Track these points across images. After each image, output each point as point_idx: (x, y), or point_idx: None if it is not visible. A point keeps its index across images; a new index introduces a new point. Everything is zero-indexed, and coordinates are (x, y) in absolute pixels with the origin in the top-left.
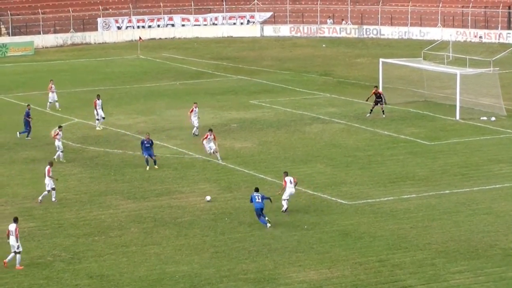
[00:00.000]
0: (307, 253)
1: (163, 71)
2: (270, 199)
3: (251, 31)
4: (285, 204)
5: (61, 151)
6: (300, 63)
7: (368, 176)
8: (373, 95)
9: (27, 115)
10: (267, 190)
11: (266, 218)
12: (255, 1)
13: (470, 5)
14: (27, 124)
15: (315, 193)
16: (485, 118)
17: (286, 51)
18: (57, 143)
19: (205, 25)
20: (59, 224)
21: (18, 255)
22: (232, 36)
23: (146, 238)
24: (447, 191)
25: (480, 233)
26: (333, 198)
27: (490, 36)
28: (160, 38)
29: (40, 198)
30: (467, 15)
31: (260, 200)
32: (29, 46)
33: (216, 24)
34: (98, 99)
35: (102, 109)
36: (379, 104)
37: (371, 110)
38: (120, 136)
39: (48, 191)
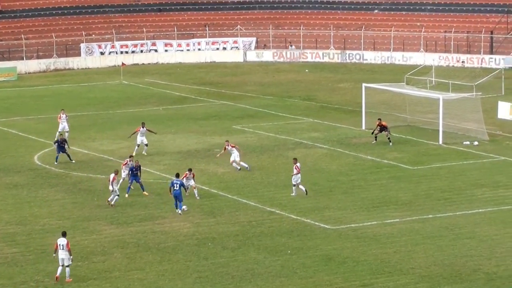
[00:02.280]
0: (291, 278)
1: (146, 96)
2: (185, 188)
3: (234, 56)
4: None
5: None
6: (283, 88)
7: (351, 200)
8: (378, 127)
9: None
10: (250, 216)
11: (183, 207)
12: (238, 26)
13: (453, 30)
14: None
15: (298, 217)
16: (468, 142)
17: (269, 76)
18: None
19: (188, 50)
20: (42, 249)
21: (67, 268)
22: (215, 61)
23: (129, 264)
24: (430, 216)
25: (463, 257)
26: (316, 223)
27: (473, 60)
28: (143, 64)
29: (112, 202)
30: (450, 40)
31: (177, 188)
32: (12, 71)
33: (199, 50)
34: (143, 127)
35: (145, 136)
36: (383, 132)
37: (376, 137)
38: (104, 161)
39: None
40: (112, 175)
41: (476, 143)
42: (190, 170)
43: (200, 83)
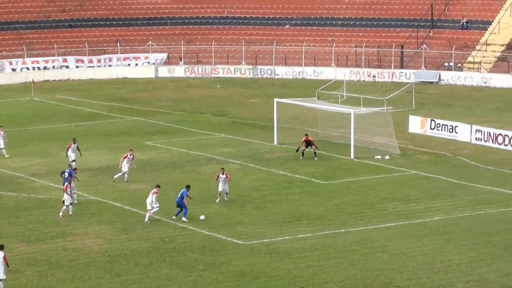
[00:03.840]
0: None
1: (57, 113)
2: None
3: (146, 72)
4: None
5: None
6: (195, 104)
7: (264, 216)
8: (303, 142)
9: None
10: (163, 232)
11: (182, 217)
12: (150, 42)
13: (364, 44)
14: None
15: (210, 233)
16: (379, 157)
17: (180, 92)
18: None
19: (99, 66)
20: None
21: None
22: (126, 77)
23: (41, 281)
24: (342, 230)
25: (375, 271)
26: (228, 238)
27: (384, 75)
28: (54, 80)
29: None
30: (361, 54)
31: (179, 196)
32: None
33: (111, 66)
34: (74, 143)
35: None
36: (309, 147)
37: (303, 153)
38: (14, 178)
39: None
40: (153, 191)
41: (387, 157)
42: (158, 186)
43: (112, 99)
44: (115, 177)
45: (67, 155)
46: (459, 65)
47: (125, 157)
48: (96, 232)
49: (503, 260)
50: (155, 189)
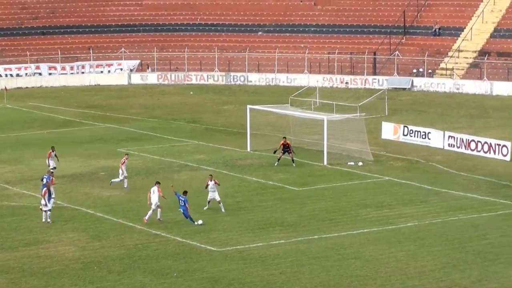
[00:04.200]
0: None
1: (30, 120)
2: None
3: (119, 79)
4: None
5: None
6: (168, 111)
7: (237, 222)
8: (281, 146)
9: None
10: (136, 239)
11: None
12: (122, 49)
13: (336, 51)
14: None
15: (184, 240)
16: (352, 163)
17: (154, 98)
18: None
19: (72, 73)
20: None
21: None
22: (99, 84)
23: None
24: (316, 236)
25: (348, 277)
26: (202, 245)
27: (356, 81)
28: (27, 87)
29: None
30: (333, 61)
31: (182, 204)
32: None
33: (83, 73)
34: (53, 151)
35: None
36: (287, 154)
37: (279, 159)
38: None
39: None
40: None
41: (360, 163)
42: (157, 183)
43: (85, 106)
44: (112, 181)
45: (48, 164)
46: (429, 71)
47: (123, 162)
48: (69, 239)
49: (476, 266)
50: (157, 187)
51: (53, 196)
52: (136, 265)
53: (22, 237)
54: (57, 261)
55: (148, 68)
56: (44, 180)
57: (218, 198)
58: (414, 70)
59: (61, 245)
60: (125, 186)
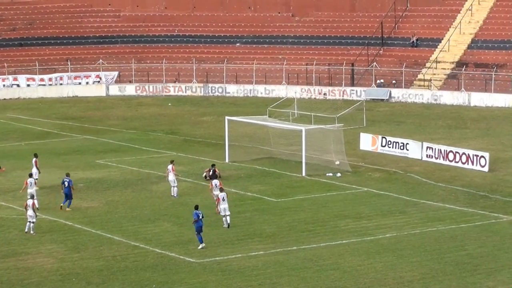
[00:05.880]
0: None
1: (7, 132)
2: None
3: (97, 90)
4: None
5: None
6: (146, 122)
7: (216, 234)
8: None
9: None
10: (115, 250)
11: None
12: (100, 60)
13: (314, 62)
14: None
15: (163, 251)
16: (330, 174)
17: (132, 110)
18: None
19: (50, 85)
20: None
21: None
22: (77, 96)
23: None
24: (295, 248)
25: None
26: (181, 257)
27: (334, 93)
28: (4, 99)
29: None
30: (311, 72)
31: (199, 218)
32: None
33: (61, 84)
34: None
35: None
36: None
37: (205, 176)
38: None
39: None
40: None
41: (338, 174)
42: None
43: (63, 118)
44: (174, 195)
45: (37, 171)
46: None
47: (173, 170)
48: (48, 251)
49: (454, 276)
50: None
51: (37, 207)
52: (115, 276)
53: (0, 249)
54: (35, 273)
55: (114, 78)
56: (66, 183)
57: (228, 212)
58: (381, 81)
59: (39, 257)
60: (175, 195)
